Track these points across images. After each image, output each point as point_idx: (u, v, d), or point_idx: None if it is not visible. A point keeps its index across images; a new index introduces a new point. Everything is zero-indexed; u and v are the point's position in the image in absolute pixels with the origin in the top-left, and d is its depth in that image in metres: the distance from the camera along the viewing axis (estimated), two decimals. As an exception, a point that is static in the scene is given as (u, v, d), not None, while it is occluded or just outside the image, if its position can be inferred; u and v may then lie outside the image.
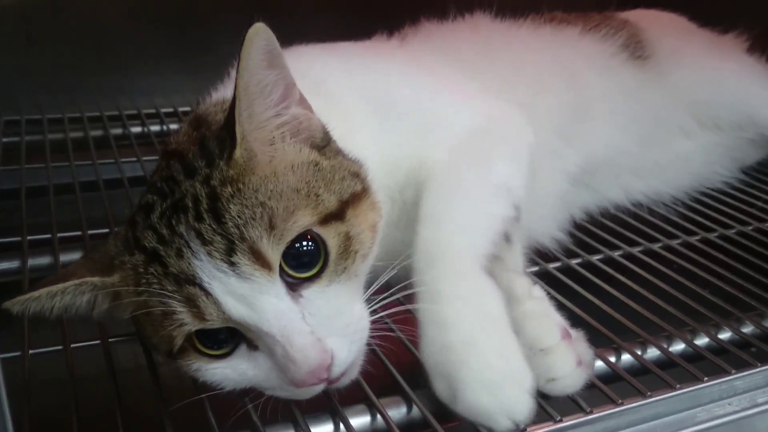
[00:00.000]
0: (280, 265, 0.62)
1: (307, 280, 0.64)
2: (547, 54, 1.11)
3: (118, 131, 1.39)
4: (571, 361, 0.70)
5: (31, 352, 0.77)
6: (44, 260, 0.96)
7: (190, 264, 0.62)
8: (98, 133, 1.38)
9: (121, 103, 1.48)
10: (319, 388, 0.66)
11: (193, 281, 0.61)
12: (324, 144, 0.72)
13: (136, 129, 1.41)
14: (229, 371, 0.66)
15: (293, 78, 0.68)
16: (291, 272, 0.63)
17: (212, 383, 0.67)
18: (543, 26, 1.16)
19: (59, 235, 0.98)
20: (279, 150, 0.67)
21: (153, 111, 1.47)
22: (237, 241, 0.61)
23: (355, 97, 0.84)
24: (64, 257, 0.94)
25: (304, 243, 0.64)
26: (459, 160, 0.83)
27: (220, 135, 0.67)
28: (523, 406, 0.65)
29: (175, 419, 0.68)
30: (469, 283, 0.71)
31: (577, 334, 0.74)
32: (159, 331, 0.64)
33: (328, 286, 0.65)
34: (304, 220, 0.63)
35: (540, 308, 0.75)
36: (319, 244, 0.64)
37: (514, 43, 1.11)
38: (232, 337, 0.65)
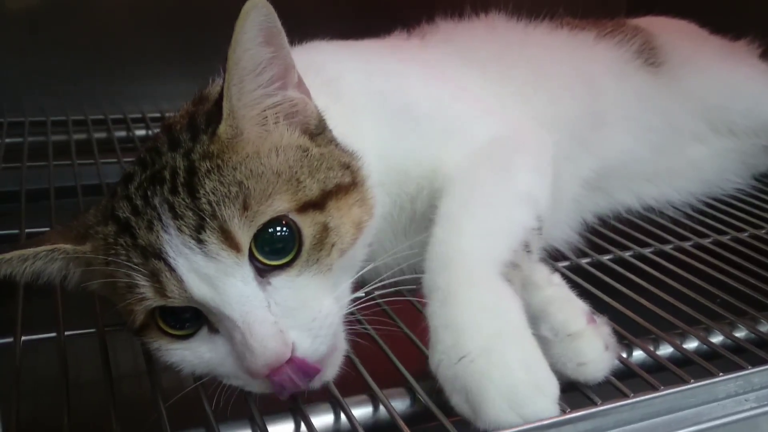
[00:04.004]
0: (251, 250, 0.61)
1: (278, 268, 0.62)
2: (564, 58, 1.09)
3: (122, 134, 1.38)
4: (599, 345, 0.68)
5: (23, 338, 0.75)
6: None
7: (158, 237, 0.60)
8: (102, 135, 1.36)
9: (126, 107, 1.47)
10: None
11: (159, 255, 0.60)
12: (318, 132, 0.70)
13: (140, 132, 1.39)
14: (188, 353, 0.64)
15: (293, 60, 0.67)
16: (262, 258, 0.62)
17: (171, 364, 0.65)
18: (558, 29, 1.14)
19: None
20: (268, 131, 0.65)
21: (158, 115, 1.46)
22: (208, 219, 0.59)
23: (369, 100, 0.82)
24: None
25: (278, 228, 0.62)
26: (481, 165, 0.80)
27: (211, 110, 0.66)
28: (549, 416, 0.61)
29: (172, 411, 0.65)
30: (486, 289, 0.66)
31: (600, 319, 0.72)
32: (124, 305, 0.63)
33: (298, 275, 0.63)
34: (280, 204, 0.62)
35: (562, 294, 0.73)
36: (295, 231, 0.62)
37: (532, 46, 1.09)
38: (196, 320, 0.63)
